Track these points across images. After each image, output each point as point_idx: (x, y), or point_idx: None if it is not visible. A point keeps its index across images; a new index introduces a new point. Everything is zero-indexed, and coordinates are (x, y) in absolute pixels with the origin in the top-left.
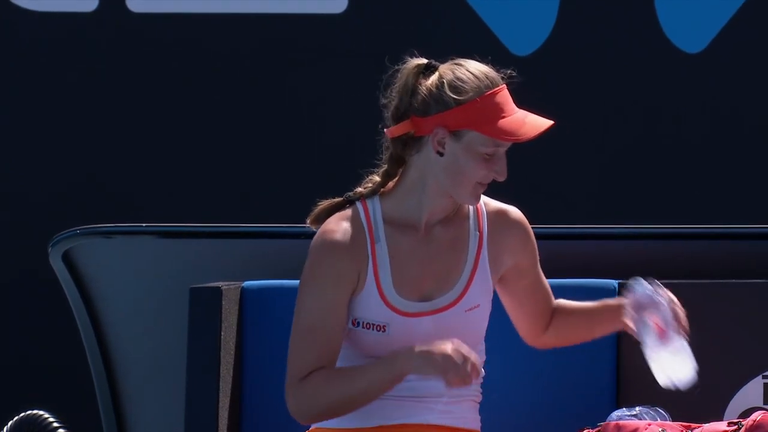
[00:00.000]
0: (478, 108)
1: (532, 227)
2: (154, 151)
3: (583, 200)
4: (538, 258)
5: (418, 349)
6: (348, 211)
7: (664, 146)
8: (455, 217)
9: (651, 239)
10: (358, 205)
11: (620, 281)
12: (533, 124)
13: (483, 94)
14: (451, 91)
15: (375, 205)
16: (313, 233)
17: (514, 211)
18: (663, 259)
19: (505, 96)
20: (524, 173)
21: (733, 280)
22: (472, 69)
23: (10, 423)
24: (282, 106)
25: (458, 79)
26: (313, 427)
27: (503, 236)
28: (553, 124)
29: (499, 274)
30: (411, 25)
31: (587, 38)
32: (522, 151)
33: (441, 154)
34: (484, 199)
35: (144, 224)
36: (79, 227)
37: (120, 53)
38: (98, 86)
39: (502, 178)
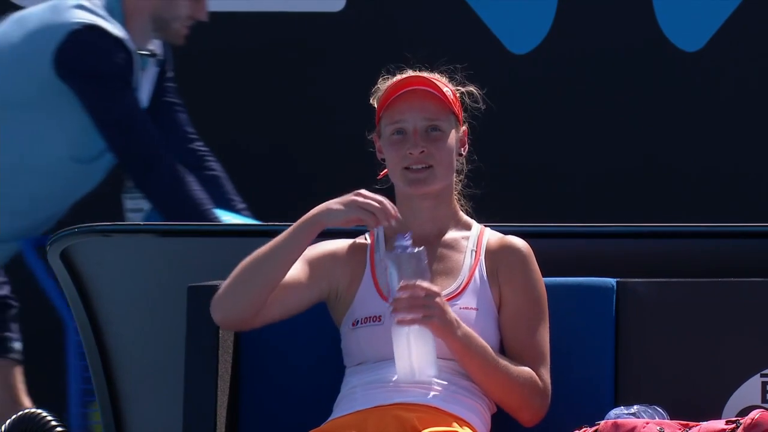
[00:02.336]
0: (382, 98)
1: (530, 225)
2: None
3: (579, 198)
4: (528, 301)
5: (324, 205)
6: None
7: (661, 144)
8: (455, 235)
9: (649, 238)
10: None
11: (618, 280)
12: (399, 84)
13: (388, 86)
14: (373, 99)
15: (380, 229)
16: None
17: (517, 240)
18: (661, 257)
19: (409, 81)
20: (519, 170)
21: (732, 279)
22: (399, 72)
23: (8, 421)
24: (281, 104)
25: (379, 86)
26: None
27: (499, 258)
28: (428, 82)
29: (498, 293)
30: (409, 23)
31: (585, 37)
32: (519, 149)
33: (383, 160)
34: (492, 231)
35: (142, 223)
36: (77, 225)
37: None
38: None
39: (416, 151)
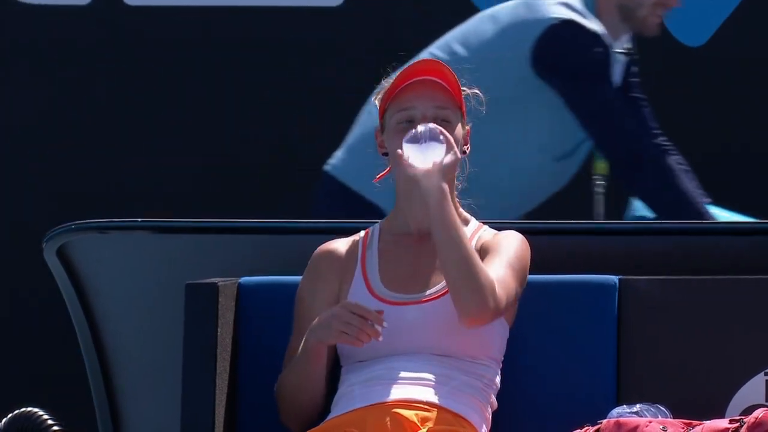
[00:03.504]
0: (389, 90)
1: (530, 222)
2: (151, 145)
3: (585, 191)
4: (499, 248)
5: (317, 319)
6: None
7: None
8: None
9: (652, 234)
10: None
11: (620, 277)
12: (410, 72)
13: (394, 79)
14: (375, 96)
15: (377, 226)
16: (310, 228)
17: (510, 231)
18: (664, 254)
19: (417, 69)
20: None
21: (736, 276)
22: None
23: (4, 420)
24: (279, 100)
25: (383, 84)
26: None
27: (489, 244)
28: (439, 69)
29: None
30: (409, 18)
31: None
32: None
33: (386, 154)
34: (489, 228)
35: (140, 219)
36: (74, 222)
37: (117, 48)
38: (95, 81)
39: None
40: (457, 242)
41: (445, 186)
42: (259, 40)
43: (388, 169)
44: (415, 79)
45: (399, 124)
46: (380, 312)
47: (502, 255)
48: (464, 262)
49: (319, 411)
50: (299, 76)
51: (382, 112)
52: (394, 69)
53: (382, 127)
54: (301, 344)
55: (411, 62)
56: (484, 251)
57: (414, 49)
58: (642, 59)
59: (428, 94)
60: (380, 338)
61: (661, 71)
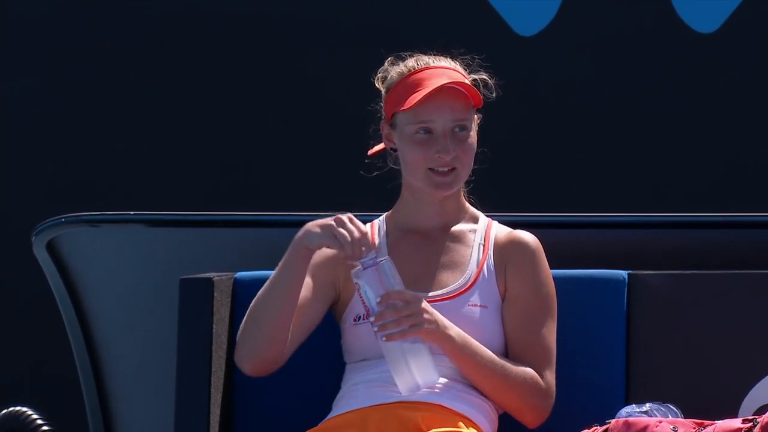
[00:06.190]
0: (398, 88)
1: (538, 215)
2: (146, 138)
3: (591, 183)
4: (536, 299)
5: (305, 227)
6: None
7: (674, 127)
8: (462, 228)
9: (662, 228)
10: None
11: (630, 272)
12: (428, 89)
13: (403, 76)
14: (381, 82)
15: (382, 219)
16: (307, 221)
17: (526, 235)
18: (674, 248)
19: (431, 74)
20: (528, 158)
21: (747, 271)
22: (409, 59)
23: None
24: (277, 94)
25: (388, 69)
26: None
27: (508, 252)
28: (455, 83)
29: (504, 288)
30: (415, 5)
31: (594, 18)
32: (531, 136)
33: (394, 150)
34: (500, 225)
35: (132, 212)
36: (64, 215)
37: (113, 44)
38: (91, 75)
39: (447, 157)
40: (482, 369)
41: (439, 327)
42: (259, 33)
43: (382, 146)
44: (432, 90)
45: (417, 135)
46: (376, 246)
47: (540, 313)
48: (499, 382)
49: (279, 351)
50: (297, 66)
51: (390, 108)
52: (402, 56)
53: (391, 123)
54: (283, 261)
55: (421, 64)
56: (501, 260)
57: (416, 35)
58: (652, 45)
59: (447, 105)
60: (360, 264)
61: (672, 57)
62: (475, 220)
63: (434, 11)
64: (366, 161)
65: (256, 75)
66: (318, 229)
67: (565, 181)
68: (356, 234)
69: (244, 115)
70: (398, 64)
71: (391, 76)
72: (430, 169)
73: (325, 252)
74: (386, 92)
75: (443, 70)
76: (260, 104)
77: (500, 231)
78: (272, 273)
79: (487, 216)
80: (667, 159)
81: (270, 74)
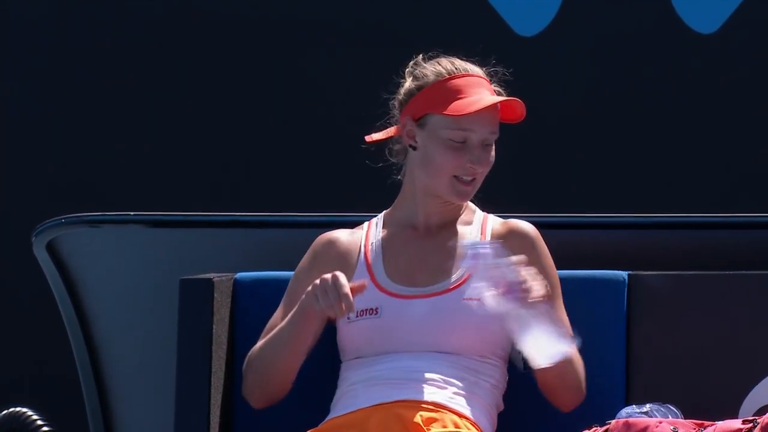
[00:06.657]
0: (436, 90)
1: (538, 215)
2: (146, 138)
3: (591, 183)
4: (549, 284)
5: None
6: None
7: (674, 128)
8: (458, 223)
9: (662, 228)
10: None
11: (630, 272)
12: (486, 101)
13: (442, 78)
14: (412, 80)
15: (380, 217)
16: (307, 222)
17: (523, 223)
18: (674, 248)
19: (470, 82)
20: (527, 158)
21: (748, 271)
22: (443, 60)
23: None
24: (277, 94)
25: (421, 67)
26: None
27: (509, 243)
28: (510, 101)
29: None
30: (415, 5)
31: (594, 18)
32: (531, 136)
33: (414, 148)
34: (495, 217)
35: (132, 213)
36: (64, 215)
37: (113, 44)
38: (91, 75)
39: (481, 168)
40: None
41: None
42: (259, 32)
43: (383, 134)
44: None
45: (452, 141)
46: (363, 285)
47: (553, 297)
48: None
49: (287, 389)
50: (298, 66)
51: (424, 108)
52: (434, 56)
53: (418, 121)
54: (294, 308)
55: (458, 68)
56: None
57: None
58: (652, 45)
59: (490, 118)
60: (347, 316)
61: (672, 58)
62: (472, 213)
63: (434, 11)
64: (363, 146)
65: (256, 75)
66: (311, 296)
67: (565, 181)
68: (334, 299)
69: (244, 115)
70: (433, 64)
71: (426, 75)
72: (455, 176)
73: (327, 245)
74: (417, 89)
75: (479, 79)
76: (260, 104)
77: (496, 222)
78: (272, 273)
79: (483, 211)
80: (667, 159)
81: (270, 74)
